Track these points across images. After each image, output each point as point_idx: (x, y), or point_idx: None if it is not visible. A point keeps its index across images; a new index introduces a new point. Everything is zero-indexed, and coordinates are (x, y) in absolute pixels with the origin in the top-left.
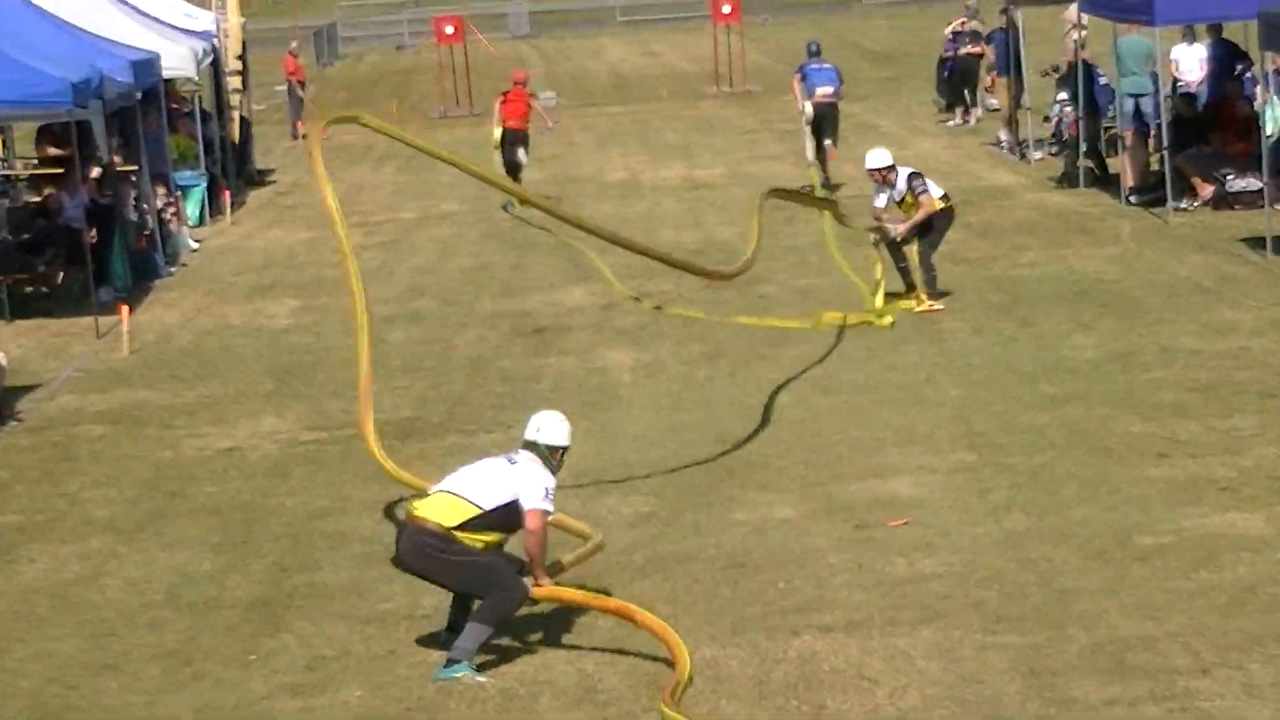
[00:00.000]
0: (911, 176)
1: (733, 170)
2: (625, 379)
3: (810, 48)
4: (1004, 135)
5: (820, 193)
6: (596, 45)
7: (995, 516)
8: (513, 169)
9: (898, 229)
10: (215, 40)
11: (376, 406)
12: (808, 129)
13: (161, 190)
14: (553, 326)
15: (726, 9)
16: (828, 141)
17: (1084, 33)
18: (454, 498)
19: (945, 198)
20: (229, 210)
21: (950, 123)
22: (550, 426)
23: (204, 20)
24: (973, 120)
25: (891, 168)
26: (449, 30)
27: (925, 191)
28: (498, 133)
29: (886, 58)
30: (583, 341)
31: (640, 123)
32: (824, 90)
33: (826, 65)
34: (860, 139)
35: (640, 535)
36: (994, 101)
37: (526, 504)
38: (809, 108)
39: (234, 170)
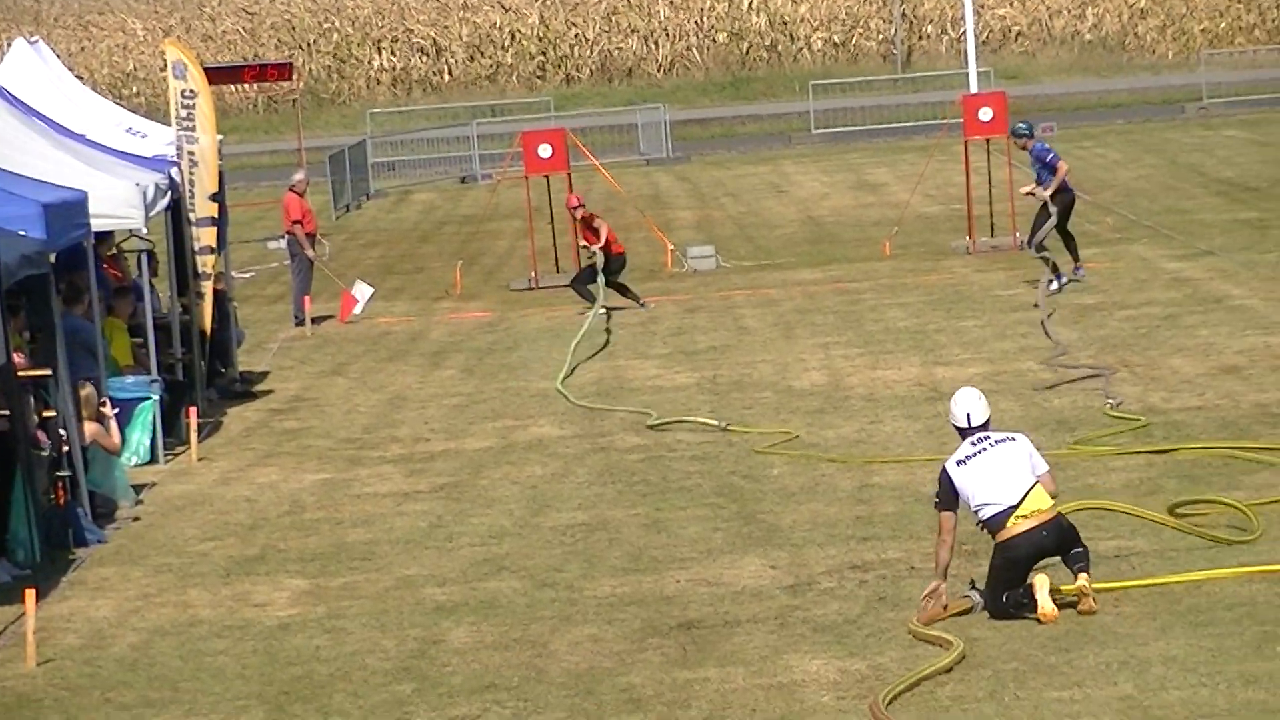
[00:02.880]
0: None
1: (996, 368)
2: (825, 702)
3: (1020, 128)
4: None
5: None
6: (779, 173)
7: None
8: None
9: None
10: (176, 171)
11: None
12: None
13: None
14: (711, 620)
15: (986, 114)
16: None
17: None
18: None
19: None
20: (195, 439)
21: None
22: None
23: (157, 139)
24: None
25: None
26: (545, 152)
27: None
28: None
29: (1244, 189)
30: (760, 644)
31: (849, 296)
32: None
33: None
34: (1201, 316)
35: None
36: None
37: None
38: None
39: (204, 376)
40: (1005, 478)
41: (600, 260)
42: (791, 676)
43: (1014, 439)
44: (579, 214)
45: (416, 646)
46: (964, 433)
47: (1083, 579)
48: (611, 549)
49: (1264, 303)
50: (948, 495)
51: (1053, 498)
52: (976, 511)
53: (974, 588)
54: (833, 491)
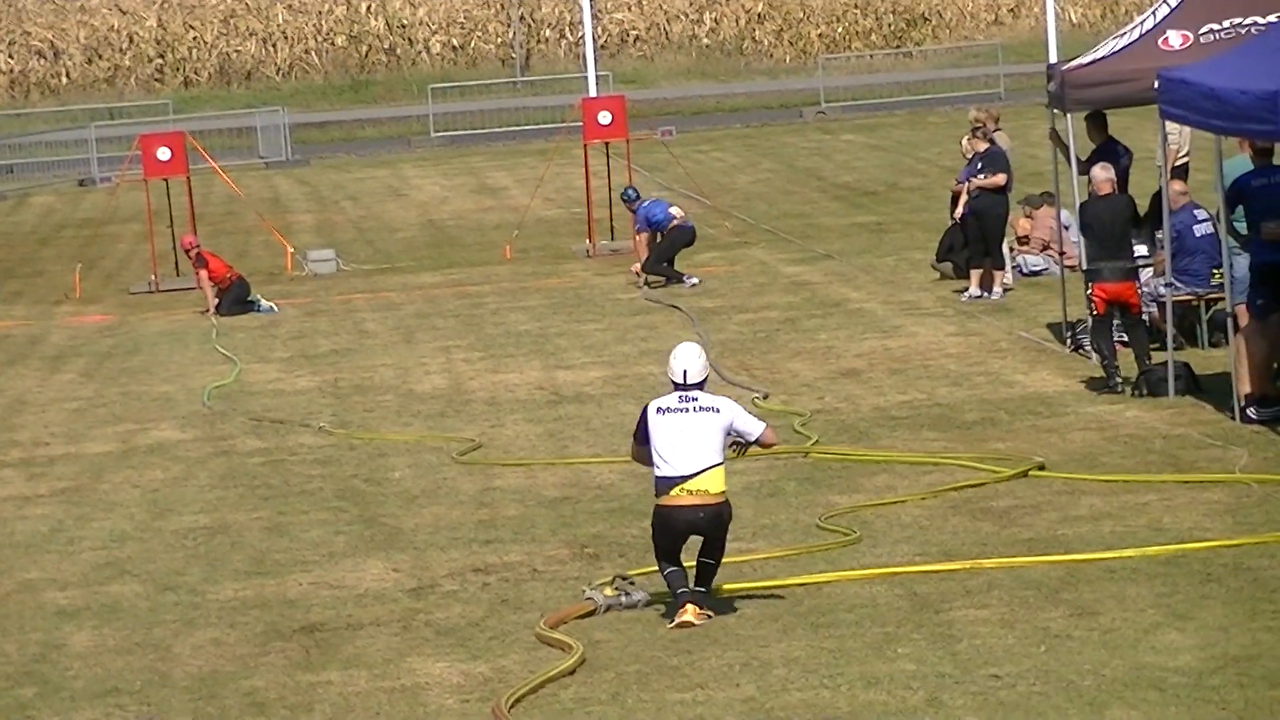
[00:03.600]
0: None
1: (617, 372)
2: (449, 705)
3: (629, 193)
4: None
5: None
6: (399, 177)
7: None
8: None
9: None
10: None
11: None
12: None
13: None
14: (333, 623)
15: (605, 118)
16: None
17: (1182, 149)
18: None
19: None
20: None
21: (965, 295)
22: None
23: None
24: (998, 291)
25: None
26: (164, 155)
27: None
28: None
29: (862, 193)
30: (383, 646)
31: (470, 299)
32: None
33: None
34: (820, 320)
35: None
36: (1037, 260)
37: None
38: None
39: None
40: (689, 447)
41: (213, 302)
42: (415, 679)
43: (718, 410)
44: (193, 253)
45: (38, 650)
46: (678, 386)
47: (690, 611)
48: (234, 552)
49: (882, 306)
50: (642, 433)
51: (769, 447)
52: (653, 462)
53: (594, 589)
54: (455, 495)
